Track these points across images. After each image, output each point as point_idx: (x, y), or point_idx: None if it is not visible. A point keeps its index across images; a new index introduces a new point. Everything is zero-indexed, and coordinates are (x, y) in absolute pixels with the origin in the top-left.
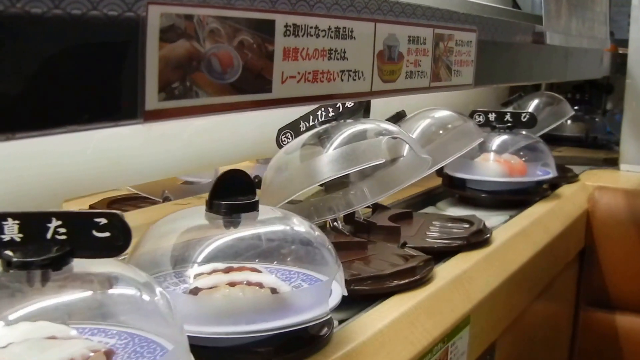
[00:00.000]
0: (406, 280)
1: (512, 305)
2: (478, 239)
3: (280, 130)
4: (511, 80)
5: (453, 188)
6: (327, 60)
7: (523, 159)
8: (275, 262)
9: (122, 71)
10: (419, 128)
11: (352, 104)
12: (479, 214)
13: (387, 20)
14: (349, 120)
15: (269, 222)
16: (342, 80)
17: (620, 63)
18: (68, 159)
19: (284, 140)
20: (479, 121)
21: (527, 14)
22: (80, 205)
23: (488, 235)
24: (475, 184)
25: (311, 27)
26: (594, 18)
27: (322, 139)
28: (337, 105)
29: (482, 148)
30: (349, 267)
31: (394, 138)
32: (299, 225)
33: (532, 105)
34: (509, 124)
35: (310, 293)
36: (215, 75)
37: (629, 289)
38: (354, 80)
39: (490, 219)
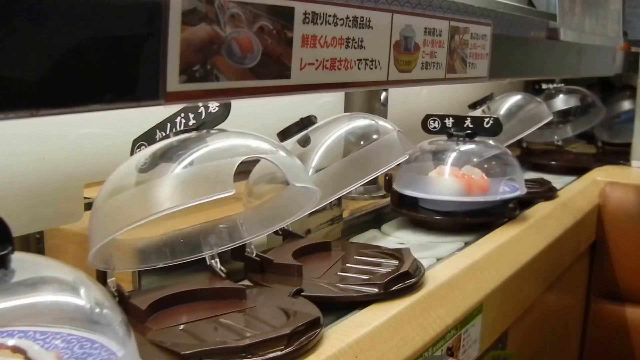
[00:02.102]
0: (271, 355)
1: (524, 295)
2: (400, 284)
3: (134, 142)
4: (525, 74)
5: (402, 208)
6: (344, 48)
7: (485, 173)
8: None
9: (145, 52)
10: (329, 140)
11: (217, 108)
12: (431, 239)
13: (404, 11)
14: (212, 131)
15: (26, 285)
16: (359, 68)
17: (633, 61)
18: (90, 144)
19: None
20: (434, 127)
21: (541, 12)
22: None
23: (416, 279)
24: (427, 204)
25: (329, 16)
26: (607, 16)
27: (168, 157)
28: (200, 111)
29: (438, 160)
30: (205, 327)
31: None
32: (69, 288)
33: (504, 107)
34: (469, 131)
35: None
36: (235, 60)
37: (638, 281)
38: (371, 69)
39: (440, 247)
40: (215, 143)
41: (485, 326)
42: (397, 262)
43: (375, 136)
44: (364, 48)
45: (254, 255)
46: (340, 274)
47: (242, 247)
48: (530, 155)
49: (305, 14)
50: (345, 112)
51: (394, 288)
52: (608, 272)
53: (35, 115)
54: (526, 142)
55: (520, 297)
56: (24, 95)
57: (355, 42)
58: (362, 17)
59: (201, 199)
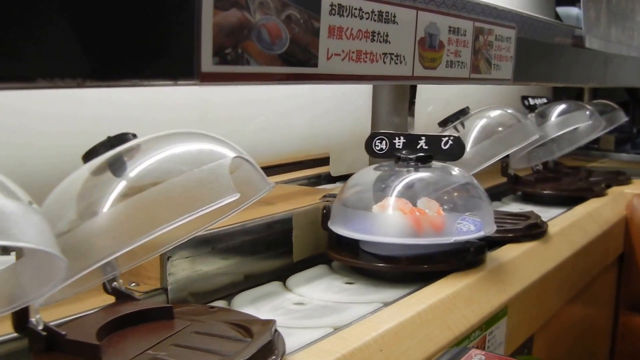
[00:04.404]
0: None
1: (550, 302)
2: None
3: None
4: (550, 80)
5: (339, 251)
6: (370, 41)
7: (442, 207)
8: None
9: (181, 34)
10: (145, 165)
11: None
12: (345, 297)
13: (428, 9)
14: None
15: None
16: (384, 62)
17: None
18: None
19: None
20: (380, 149)
21: (567, 24)
22: None
23: None
24: (367, 246)
25: (355, 9)
26: (633, 27)
27: None
28: None
29: (381, 191)
30: None
31: None
32: None
33: (481, 124)
34: (423, 154)
35: None
36: (264, 45)
37: None
38: (396, 64)
39: (351, 310)
40: None
41: (511, 329)
42: (250, 339)
43: (212, 165)
44: (389, 42)
45: (41, 327)
46: (162, 357)
47: (25, 315)
48: (520, 184)
49: (331, 5)
50: (372, 110)
51: None
52: (636, 284)
53: (81, 86)
54: (513, 168)
55: (545, 304)
56: (73, 66)
57: (381, 36)
58: (387, 12)
59: None
